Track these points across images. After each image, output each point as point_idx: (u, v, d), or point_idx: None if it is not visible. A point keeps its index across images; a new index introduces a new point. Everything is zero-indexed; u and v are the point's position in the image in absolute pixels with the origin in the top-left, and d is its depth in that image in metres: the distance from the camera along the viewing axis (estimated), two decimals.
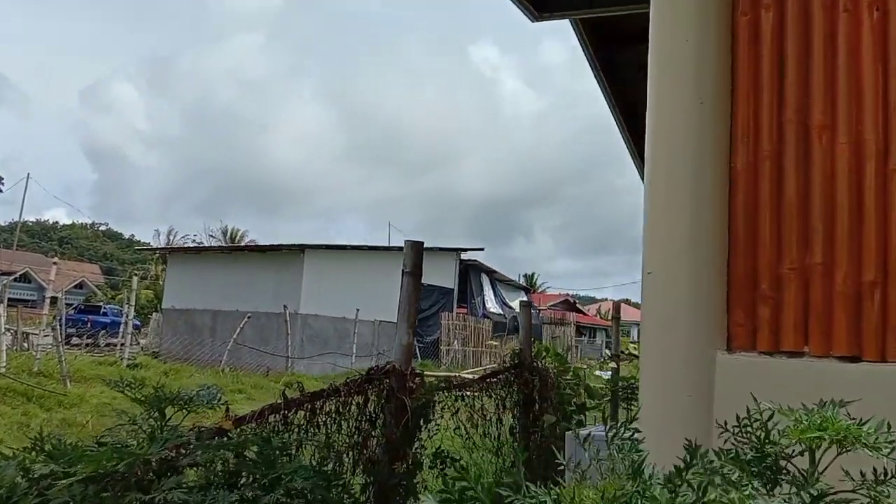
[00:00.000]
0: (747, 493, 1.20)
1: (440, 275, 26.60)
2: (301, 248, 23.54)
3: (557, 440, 6.57)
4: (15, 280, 41.92)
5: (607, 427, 2.12)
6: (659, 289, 2.15)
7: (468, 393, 5.12)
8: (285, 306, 21.84)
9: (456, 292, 28.91)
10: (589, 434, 4.32)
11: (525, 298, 35.22)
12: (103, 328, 28.46)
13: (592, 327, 51.10)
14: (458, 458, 4.63)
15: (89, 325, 28.71)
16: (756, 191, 2.15)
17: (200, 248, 33.19)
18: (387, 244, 30.41)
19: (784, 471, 1.31)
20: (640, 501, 1.24)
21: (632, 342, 26.21)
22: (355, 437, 3.61)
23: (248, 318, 21.38)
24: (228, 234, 56.86)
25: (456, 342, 26.68)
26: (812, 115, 2.12)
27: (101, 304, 37.51)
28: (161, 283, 36.06)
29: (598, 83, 6.24)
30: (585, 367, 12.20)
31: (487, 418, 5.41)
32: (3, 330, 14.84)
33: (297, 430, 3.38)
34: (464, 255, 29.69)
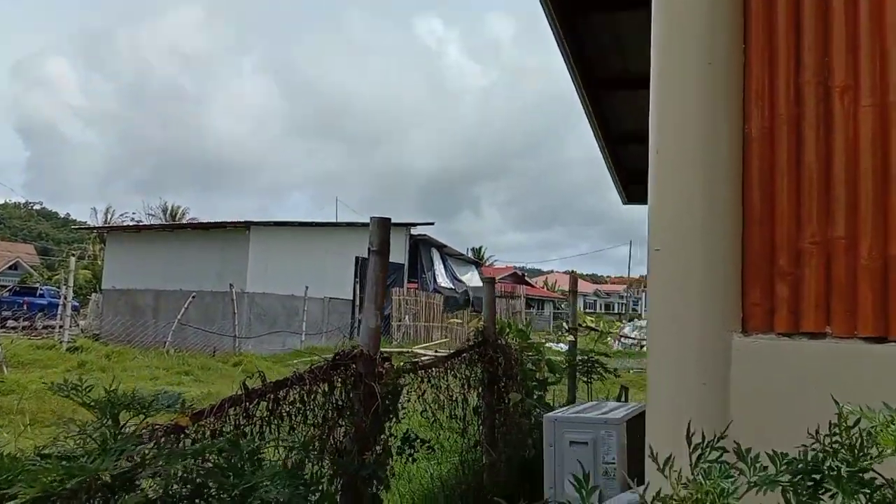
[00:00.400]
0: None
1: (391, 250, 26.31)
2: (246, 225, 22.96)
3: (522, 418, 6.44)
4: None
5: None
6: (668, 266, 1.96)
7: (433, 373, 4.93)
8: (231, 285, 21.31)
9: (406, 267, 28.66)
10: (563, 416, 4.20)
11: (476, 272, 35.21)
12: (40, 310, 27.40)
13: (540, 299, 51.53)
14: (426, 440, 4.44)
15: (25, 307, 27.62)
16: (772, 158, 1.96)
17: (140, 226, 32.17)
18: (334, 220, 29.91)
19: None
20: None
21: (586, 314, 26.45)
22: (322, 427, 3.38)
23: (193, 297, 20.81)
24: (169, 212, 55.43)
25: (407, 318, 26.50)
26: (833, 76, 1.94)
27: (37, 285, 36.19)
28: (100, 263, 34.93)
29: (560, 49, 6.02)
30: (543, 341, 12.14)
31: (453, 399, 5.23)
32: None
33: (259, 423, 3.13)
34: (414, 230, 29.41)
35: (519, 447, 6.39)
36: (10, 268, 49.25)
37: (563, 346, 20.23)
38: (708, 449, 1.14)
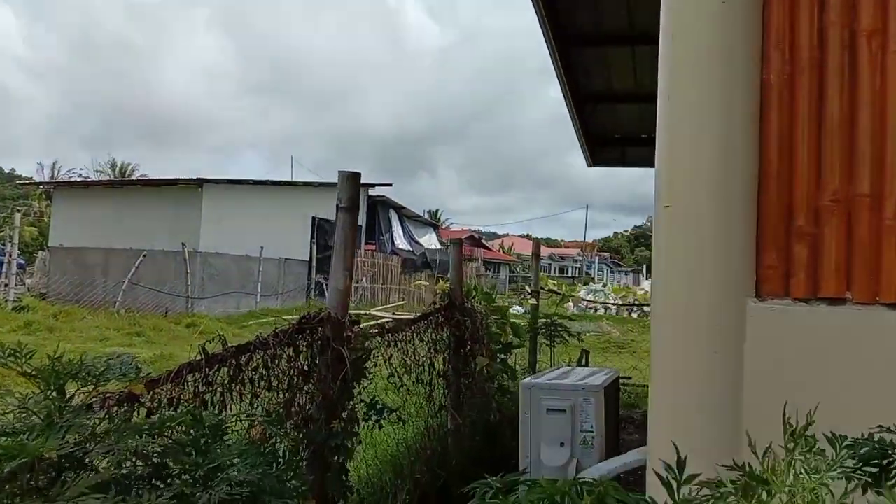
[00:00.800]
0: None
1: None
2: (199, 183, 22.32)
3: (487, 382, 6.33)
4: None
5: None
6: (678, 225, 1.79)
7: (401, 337, 4.75)
8: (183, 244, 20.77)
9: (364, 228, 28.30)
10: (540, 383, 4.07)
11: (434, 234, 35.06)
12: None
13: (497, 262, 51.67)
14: (393, 408, 4.27)
15: None
16: (792, 108, 1.80)
17: (89, 182, 31.14)
18: (290, 179, 29.33)
19: None
20: None
21: (550, 278, 26.50)
22: (287, 394, 3.18)
23: (144, 256, 20.25)
24: (118, 169, 53.86)
25: (365, 279, 26.26)
26: (859, 18, 1.78)
27: None
28: (46, 219, 33.78)
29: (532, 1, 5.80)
30: (506, 304, 12.05)
31: (420, 363, 5.07)
32: None
33: (220, 390, 2.92)
34: (372, 191, 28.97)
35: (483, 411, 6.29)
36: None
37: (520, 309, 20.25)
38: (800, 434, 0.96)
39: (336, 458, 3.23)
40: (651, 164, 7.36)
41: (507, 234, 77.23)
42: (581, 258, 67.42)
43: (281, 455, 2.10)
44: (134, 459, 1.63)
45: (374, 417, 4.11)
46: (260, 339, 3.09)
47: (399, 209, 31.22)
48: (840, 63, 1.79)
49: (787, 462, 1.01)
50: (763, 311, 1.71)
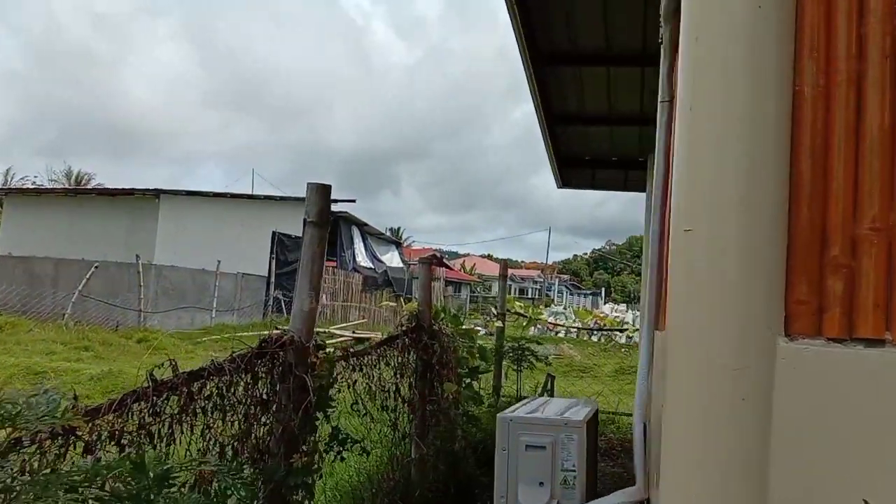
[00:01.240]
0: None
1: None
2: (156, 194, 21.76)
3: (451, 408, 6.07)
4: None
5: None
6: (700, 251, 1.58)
7: (366, 361, 4.48)
8: (138, 256, 20.19)
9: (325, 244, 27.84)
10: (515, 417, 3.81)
11: (396, 252, 34.74)
12: None
13: (458, 282, 51.50)
14: (357, 438, 4.00)
15: None
16: (828, 123, 1.60)
17: (42, 189, 30.18)
18: (251, 193, 28.81)
19: None
20: None
21: (516, 300, 26.32)
22: (243, 426, 2.89)
23: (96, 267, 19.60)
24: (74, 178, 52.56)
25: (325, 296, 25.81)
26: None
27: None
28: None
29: (510, 16, 5.63)
30: (473, 326, 11.81)
31: (385, 389, 4.80)
32: None
33: (169, 421, 2.63)
34: (334, 207, 28.43)
35: (448, 439, 6.03)
36: None
37: (482, 331, 20.03)
38: None
39: (295, 496, 2.95)
40: (620, 188, 7.24)
41: (468, 255, 77.22)
42: (541, 280, 67.67)
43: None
44: None
45: (336, 448, 3.83)
46: (215, 364, 2.81)
47: (362, 226, 30.84)
48: (881, 74, 1.60)
49: None
50: (794, 352, 1.50)
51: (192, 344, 16.80)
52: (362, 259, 29.77)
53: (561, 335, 23.64)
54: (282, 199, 25.65)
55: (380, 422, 4.84)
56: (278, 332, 3.12)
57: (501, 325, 9.24)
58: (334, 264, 28.13)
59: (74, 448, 2.30)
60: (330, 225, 3.17)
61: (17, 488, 1.27)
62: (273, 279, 25.12)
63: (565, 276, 79.59)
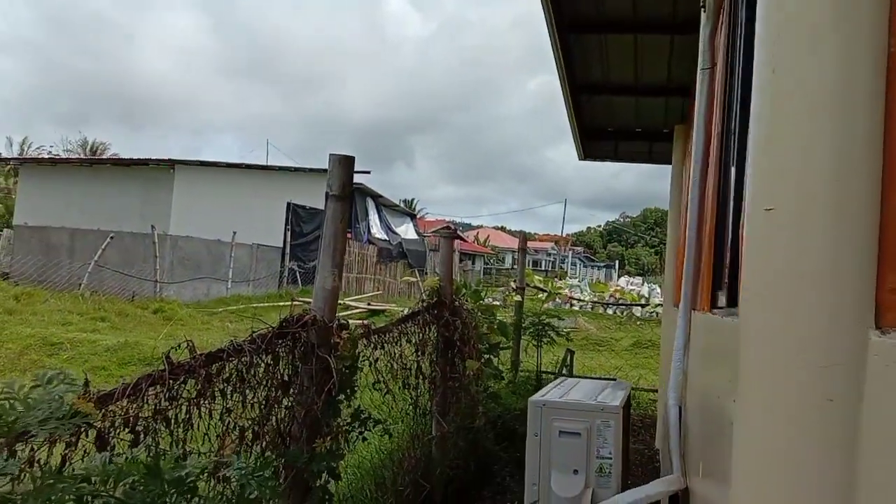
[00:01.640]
0: None
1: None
2: (171, 164, 21.64)
3: (475, 385, 5.94)
4: None
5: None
6: (783, 233, 1.41)
7: (387, 338, 4.34)
8: (153, 226, 20.14)
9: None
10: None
11: (411, 224, 34.59)
12: None
13: (472, 254, 51.36)
14: (380, 419, 3.87)
15: None
16: None
17: (57, 159, 30.11)
18: (266, 163, 28.66)
19: None
20: None
21: (534, 273, 26.13)
22: (264, 410, 2.76)
23: (112, 238, 19.58)
24: (89, 147, 52.60)
25: None
26: None
27: None
28: (13, 196, 32.74)
29: None
30: (491, 300, 11.67)
31: (407, 366, 4.67)
32: None
33: (186, 405, 2.49)
34: None
35: (469, 416, 5.92)
36: None
37: (497, 303, 19.87)
38: None
39: (318, 482, 2.82)
40: (645, 160, 6.98)
41: (481, 226, 76.96)
42: (555, 252, 67.37)
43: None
44: None
45: (357, 428, 3.70)
46: (235, 344, 2.66)
47: (376, 198, 30.68)
48: None
49: None
50: (889, 347, 1.32)
51: (207, 315, 16.79)
52: (377, 231, 29.65)
53: (576, 308, 23.45)
54: (296, 169, 25.48)
55: (402, 400, 4.72)
56: (299, 310, 2.98)
57: (521, 299, 9.09)
58: (349, 236, 28.06)
59: (87, 436, 2.17)
60: (353, 199, 3.00)
61: (18, 500, 1.12)
62: (288, 250, 25.06)
63: (579, 249, 79.21)
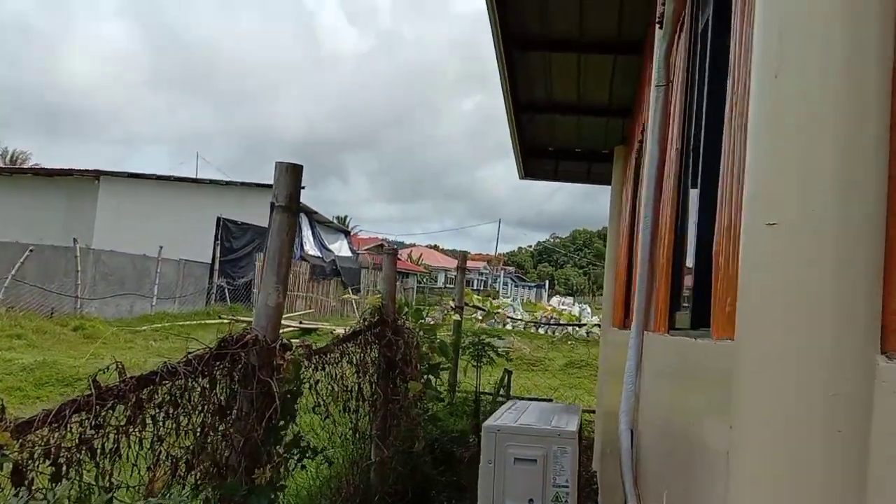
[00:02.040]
0: None
1: (256, 213, 24.64)
2: (96, 175, 20.86)
3: (416, 408, 5.77)
4: None
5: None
6: (788, 251, 1.31)
7: (328, 359, 4.14)
8: (75, 240, 19.32)
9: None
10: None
11: (345, 241, 34.18)
12: None
13: (405, 272, 51.11)
14: (319, 448, 3.66)
15: None
16: None
17: None
18: (195, 177, 27.90)
19: None
20: None
21: (446, 289, 25.99)
22: (198, 438, 2.54)
23: (31, 251, 18.68)
24: (9, 157, 50.49)
25: None
26: None
27: None
28: None
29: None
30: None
31: (348, 388, 4.48)
32: None
33: (114, 433, 2.26)
34: None
35: (408, 440, 5.74)
36: None
37: (430, 321, 19.73)
38: None
39: None
40: (583, 180, 6.96)
41: (415, 245, 76.84)
42: (487, 271, 67.70)
43: None
44: None
45: (296, 456, 3.49)
46: (168, 366, 2.45)
47: (310, 214, 30.21)
48: None
49: None
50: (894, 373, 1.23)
51: (131, 333, 16.13)
52: (310, 247, 29.17)
53: (509, 328, 23.46)
54: (227, 183, 24.91)
55: (341, 424, 4.52)
56: (239, 328, 2.78)
57: (459, 318, 8.97)
58: None
59: (1, 469, 1.94)
60: (298, 210, 2.83)
61: None
62: (217, 266, 24.41)
63: (511, 268, 79.81)
